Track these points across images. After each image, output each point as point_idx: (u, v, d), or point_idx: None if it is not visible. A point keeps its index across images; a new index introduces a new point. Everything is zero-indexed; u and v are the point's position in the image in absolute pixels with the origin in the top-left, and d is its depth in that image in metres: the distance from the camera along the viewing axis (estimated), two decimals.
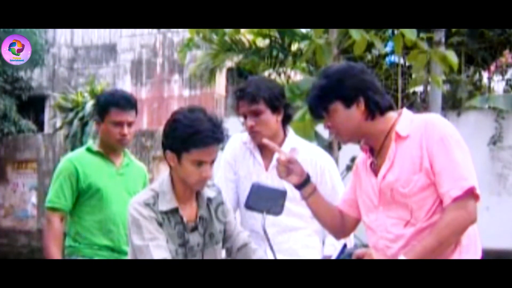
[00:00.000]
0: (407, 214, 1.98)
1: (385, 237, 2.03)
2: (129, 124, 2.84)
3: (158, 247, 2.01)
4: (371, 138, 2.08)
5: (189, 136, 2.01)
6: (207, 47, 8.37)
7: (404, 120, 2.03)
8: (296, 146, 2.67)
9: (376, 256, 1.97)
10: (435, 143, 1.92)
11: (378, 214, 2.07)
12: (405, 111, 2.09)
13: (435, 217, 1.94)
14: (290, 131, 2.75)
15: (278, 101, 2.61)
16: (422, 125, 1.98)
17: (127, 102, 2.84)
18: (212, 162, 2.10)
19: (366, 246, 2.16)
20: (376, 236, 2.08)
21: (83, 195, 2.85)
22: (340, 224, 2.27)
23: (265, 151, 2.69)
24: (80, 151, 2.98)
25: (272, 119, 2.62)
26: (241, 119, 2.68)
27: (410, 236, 1.97)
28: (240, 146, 2.71)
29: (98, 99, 2.97)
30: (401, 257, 1.91)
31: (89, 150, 2.93)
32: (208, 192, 2.23)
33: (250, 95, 2.60)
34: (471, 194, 1.88)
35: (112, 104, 2.81)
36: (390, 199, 2.01)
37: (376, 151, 2.08)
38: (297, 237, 2.67)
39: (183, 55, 5.87)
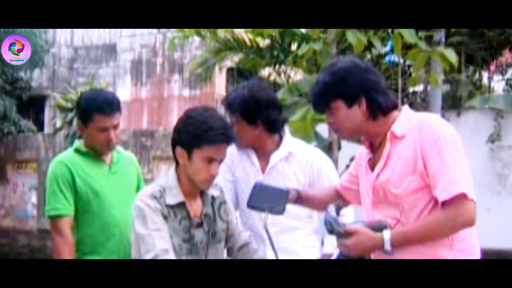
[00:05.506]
0: (397, 214, 1.97)
1: (370, 223, 2.02)
2: (115, 127, 2.71)
3: (161, 238, 2.01)
4: (372, 137, 2.08)
5: (202, 132, 2.03)
6: (203, 43, 8.35)
7: (401, 119, 2.02)
8: (292, 149, 2.68)
9: (366, 233, 1.97)
10: (429, 145, 1.90)
11: (372, 212, 2.07)
12: (405, 109, 2.07)
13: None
14: (287, 134, 2.75)
15: (253, 115, 2.57)
16: (417, 125, 1.96)
17: (111, 106, 2.68)
18: (221, 161, 2.12)
19: None
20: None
21: (80, 199, 2.69)
22: (333, 201, 2.37)
23: (261, 154, 2.69)
24: (69, 152, 2.80)
25: (248, 130, 2.60)
26: None
27: None
28: (237, 148, 2.71)
29: (80, 104, 2.77)
30: (387, 232, 1.91)
31: (78, 151, 2.77)
32: (212, 191, 2.24)
33: (227, 104, 2.62)
34: (462, 198, 1.85)
35: (96, 110, 2.65)
36: (383, 198, 2.01)
37: (375, 148, 2.08)
38: (295, 237, 2.68)
39: (173, 44, 5.82)
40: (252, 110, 2.56)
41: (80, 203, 2.69)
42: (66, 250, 2.60)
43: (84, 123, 2.71)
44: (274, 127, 2.64)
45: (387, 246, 1.90)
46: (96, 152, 2.77)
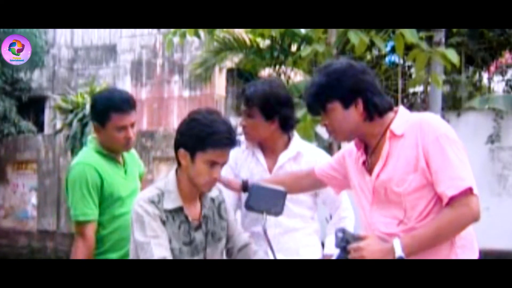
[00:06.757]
0: (400, 213, 1.97)
1: (379, 237, 2.02)
2: (132, 125, 2.69)
3: (159, 246, 2.02)
4: (367, 138, 2.07)
5: (207, 135, 2.03)
6: (203, 43, 8.35)
7: (399, 119, 2.01)
8: (301, 149, 2.69)
9: (378, 238, 1.97)
10: (431, 143, 1.91)
11: (372, 212, 2.06)
12: (401, 109, 2.07)
13: (429, 218, 1.93)
14: (296, 135, 2.75)
15: (272, 110, 2.57)
16: (417, 124, 1.96)
17: (127, 104, 2.66)
18: (223, 164, 2.13)
19: None
20: (371, 234, 2.07)
21: (104, 203, 2.67)
22: (308, 186, 2.47)
23: (268, 153, 2.69)
24: (91, 153, 2.72)
25: (263, 125, 2.60)
26: (240, 119, 2.69)
27: (403, 236, 1.96)
28: (242, 148, 2.71)
29: (95, 104, 2.73)
30: (397, 240, 1.91)
31: (99, 152, 2.72)
32: (211, 192, 2.24)
33: (245, 98, 2.62)
34: (469, 193, 1.86)
35: (113, 108, 2.61)
36: (384, 198, 2.01)
37: (371, 149, 2.07)
38: (297, 237, 2.69)
39: (170, 42, 5.83)
40: (271, 105, 2.57)
41: (103, 206, 2.67)
42: (85, 255, 2.59)
43: (101, 124, 2.67)
44: (289, 125, 2.66)
45: (399, 252, 1.89)
46: (114, 153, 2.75)
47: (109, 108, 2.63)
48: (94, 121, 2.74)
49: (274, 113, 2.58)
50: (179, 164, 2.14)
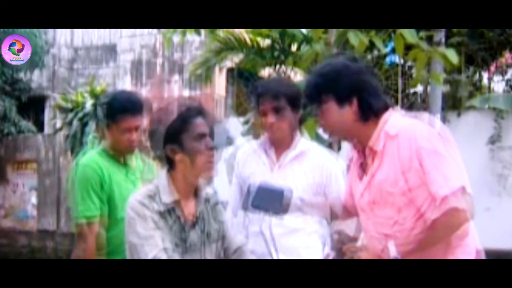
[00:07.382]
0: (395, 214, 1.97)
1: (375, 237, 2.02)
2: (137, 129, 2.70)
3: (153, 246, 2.02)
4: (363, 138, 2.07)
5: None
6: (203, 43, 8.33)
7: (394, 119, 2.02)
8: (305, 148, 2.69)
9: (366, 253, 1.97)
10: (425, 143, 1.91)
11: (368, 213, 2.06)
12: (397, 109, 2.08)
13: (424, 218, 1.93)
14: (298, 134, 2.76)
15: (298, 100, 2.60)
16: (411, 124, 1.97)
17: (135, 107, 2.67)
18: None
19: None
20: (367, 235, 2.08)
21: (107, 205, 2.68)
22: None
23: (270, 151, 2.70)
24: (94, 154, 2.74)
25: (292, 116, 2.62)
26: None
27: (398, 236, 1.96)
28: (250, 152, 2.72)
29: (102, 104, 2.76)
30: (391, 243, 1.90)
31: (102, 153, 2.73)
32: (206, 192, 2.24)
33: (272, 91, 2.60)
34: (461, 193, 1.86)
35: (121, 111, 2.64)
36: (379, 199, 2.01)
37: (368, 150, 2.07)
38: (299, 238, 2.69)
39: (168, 41, 5.83)
40: (296, 95, 2.59)
41: (106, 208, 2.68)
42: (86, 257, 2.60)
43: (107, 125, 2.69)
44: (300, 122, 2.70)
45: (393, 252, 1.89)
46: (116, 154, 2.75)
47: (117, 109, 2.65)
48: (101, 121, 2.76)
49: (299, 102, 2.61)
50: (170, 163, 2.13)
